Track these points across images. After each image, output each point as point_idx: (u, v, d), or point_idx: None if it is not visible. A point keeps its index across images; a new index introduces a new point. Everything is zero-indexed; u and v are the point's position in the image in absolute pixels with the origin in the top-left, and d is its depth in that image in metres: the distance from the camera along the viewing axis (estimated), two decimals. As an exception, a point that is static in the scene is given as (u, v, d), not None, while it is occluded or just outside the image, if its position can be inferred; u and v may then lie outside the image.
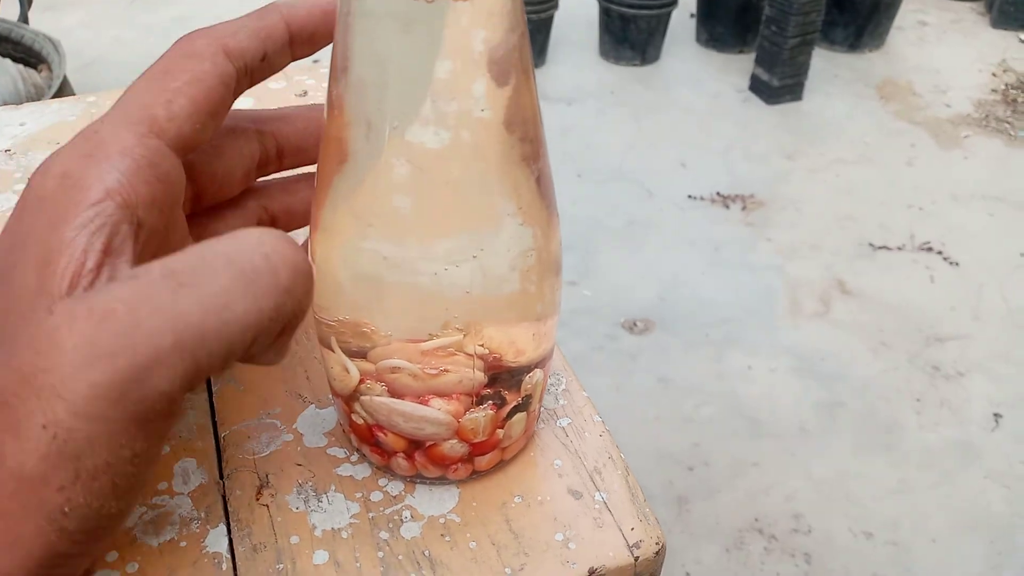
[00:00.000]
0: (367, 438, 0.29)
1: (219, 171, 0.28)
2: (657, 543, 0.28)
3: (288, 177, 0.31)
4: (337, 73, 0.23)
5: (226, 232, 0.27)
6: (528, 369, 0.28)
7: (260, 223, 0.30)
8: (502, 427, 0.28)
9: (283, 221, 0.31)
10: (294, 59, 0.28)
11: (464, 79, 0.22)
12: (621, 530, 0.28)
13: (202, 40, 0.25)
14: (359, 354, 0.26)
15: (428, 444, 0.28)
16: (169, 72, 0.25)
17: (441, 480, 0.29)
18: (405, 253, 0.24)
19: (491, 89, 0.22)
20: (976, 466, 1.25)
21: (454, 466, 0.28)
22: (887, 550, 1.14)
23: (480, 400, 0.27)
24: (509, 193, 0.24)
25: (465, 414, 0.27)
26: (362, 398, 0.27)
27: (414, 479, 0.29)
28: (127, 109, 0.24)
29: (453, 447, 0.28)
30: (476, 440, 0.28)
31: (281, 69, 0.28)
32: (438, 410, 0.27)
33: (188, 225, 0.28)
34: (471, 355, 0.26)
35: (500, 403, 0.27)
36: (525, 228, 0.25)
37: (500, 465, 0.30)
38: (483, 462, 0.29)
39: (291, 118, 0.30)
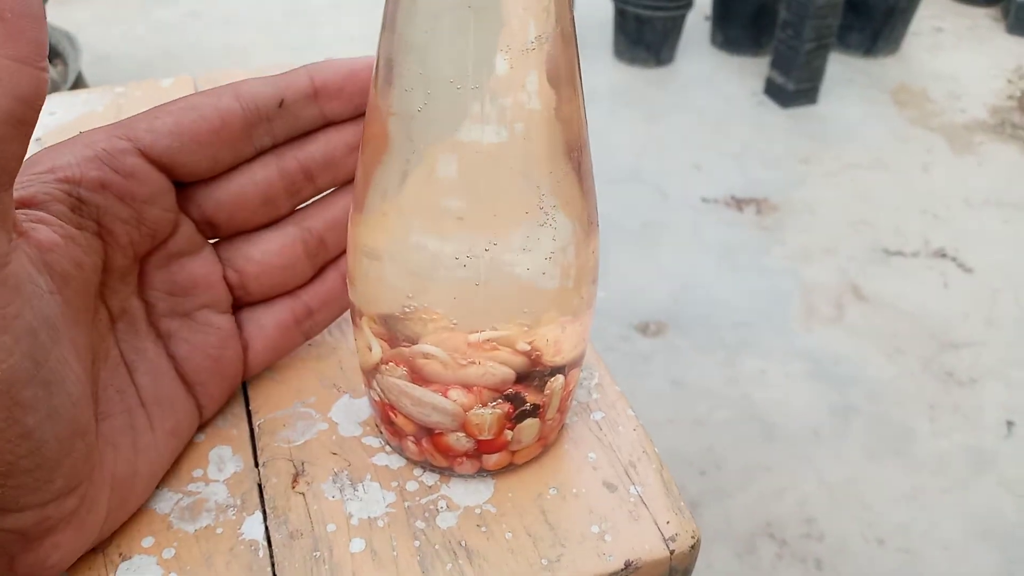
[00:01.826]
0: (383, 416, 0.29)
1: (224, 198, 0.29)
2: (693, 537, 0.28)
3: (328, 195, 0.32)
4: (382, 67, 0.23)
5: (266, 260, 0.30)
6: (558, 370, 0.28)
7: (306, 246, 0.31)
8: (512, 429, 0.28)
9: (331, 239, 0.31)
10: (327, 116, 0.30)
11: (519, 73, 0.22)
12: (656, 523, 0.28)
13: (222, 86, 0.28)
14: (412, 339, 0.26)
15: (435, 432, 0.28)
16: (174, 102, 0.27)
17: (479, 473, 0.29)
18: (454, 249, 0.24)
19: (543, 83, 0.22)
20: (989, 473, 1.24)
21: (459, 459, 0.28)
22: (899, 557, 1.13)
23: (503, 398, 0.27)
24: (553, 188, 0.24)
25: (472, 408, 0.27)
26: (378, 376, 0.28)
27: (447, 471, 0.29)
28: (120, 121, 0.27)
29: (459, 440, 0.28)
30: (481, 437, 0.28)
31: (312, 124, 0.30)
32: (447, 400, 0.27)
33: (224, 251, 0.30)
34: (517, 351, 0.26)
35: (518, 404, 0.27)
36: (568, 223, 0.25)
37: (534, 458, 0.30)
38: (490, 461, 0.29)
39: (313, 137, 0.30)
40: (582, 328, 0.28)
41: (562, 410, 0.29)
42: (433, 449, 0.28)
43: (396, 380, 0.27)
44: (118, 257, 0.26)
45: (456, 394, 0.27)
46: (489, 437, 0.28)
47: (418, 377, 0.27)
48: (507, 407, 0.27)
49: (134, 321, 0.28)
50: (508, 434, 0.28)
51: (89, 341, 0.25)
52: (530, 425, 0.28)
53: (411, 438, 0.28)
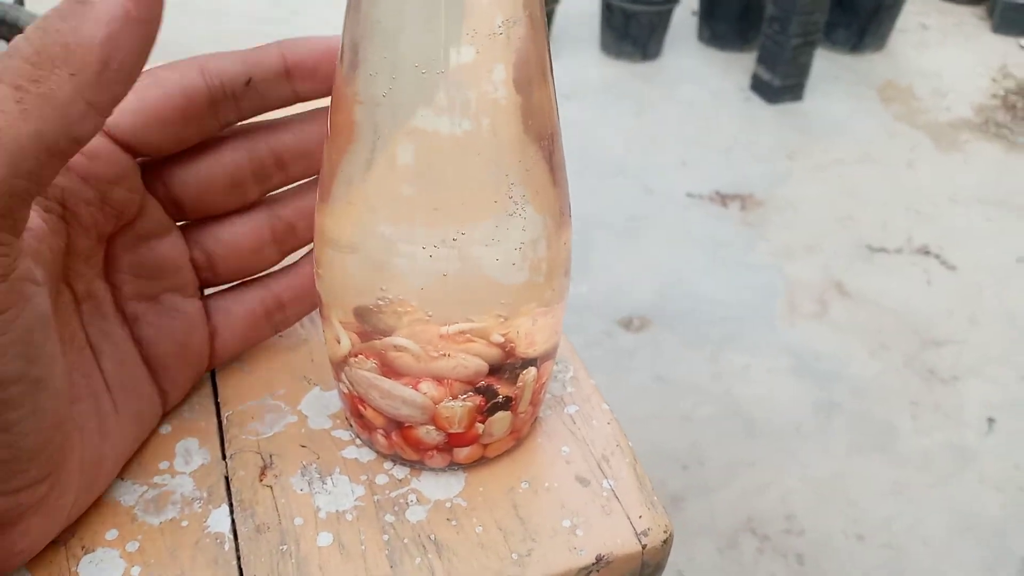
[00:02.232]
0: (353, 409, 0.29)
1: (191, 180, 0.28)
2: (665, 531, 0.28)
3: (301, 183, 0.31)
4: (347, 52, 0.22)
5: (234, 241, 0.29)
6: (531, 362, 0.27)
7: (274, 231, 0.30)
8: (483, 422, 0.27)
9: (301, 227, 0.31)
10: (299, 95, 0.29)
11: (486, 58, 0.21)
12: (629, 518, 0.28)
13: (188, 59, 0.27)
14: (385, 332, 0.25)
15: (405, 425, 0.27)
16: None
17: (450, 467, 0.29)
18: (422, 239, 0.23)
19: (510, 70, 0.22)
20: (970, 470, 1.25)
21: (430, 453, 0.28)
22: (880, 552, 1.13)
23: (475, 391, 0.26)
24: (523, 177, 0.23)
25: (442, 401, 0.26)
26: (347, 368, 0.27)
27: (417, 464, 0.29)
28: None
29: (429, 433, 0.27)
30: (452, 430, 0.27)
31: (282, 103, 0.29)
32: (417, 392, 0.26)
33: (193, 231, 0.29)
34: (491, 343, 0.26)
35: (490, 396, 0.27)
36: (538, 214, 0.24)
37: (506, 452, 0.30)
38: (461, 455, 0.28)
39: (287, 125, 0.29)
40: (555, 320, 0.27)
41: (535, 403, 0.29)
42: (403, 442, 0.28)
43: (365, 373, 0.27)
44: (82, 239, 0.26)
45: (427, 387, 0.26)
46: (459, 430, 0.27)
47: (389, 370, 0.26)
48: (479, 400, 0.27)
49: (100, 304, 0.27)
50: (479, 427, 0.27)
51: (56, 327, 0.25)
52: (501, 418, 0.28)
53: (381, 431, 0.28)
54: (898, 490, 1.21)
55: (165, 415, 0.30)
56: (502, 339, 0.26)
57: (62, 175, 0.24)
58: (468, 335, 0.25)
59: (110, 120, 0.25)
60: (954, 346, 1.45)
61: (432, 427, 0.27)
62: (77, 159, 0.25)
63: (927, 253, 1.66)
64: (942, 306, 1.53)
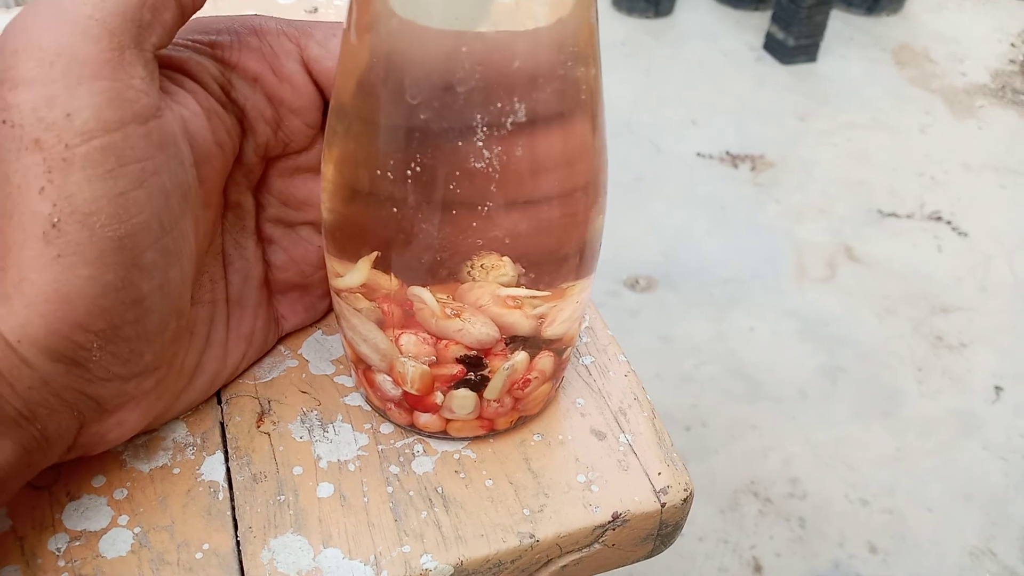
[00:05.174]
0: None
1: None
2: (685, 490, 0.26)
3: None
4: None
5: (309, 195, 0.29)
6: (537, 344, 0.25)
7: None
8: (444, 393, 0.25)
9: None
10: None
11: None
12: (647, 474, 0.26)
13: None
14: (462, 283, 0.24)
15: (368, 366, 0.26)
16: None
17: (410, 428, 0.27)
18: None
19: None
20: (975, 437, 1.24)
21: (388, 404, 0.26)
22: (882, 517, 1.13)
23: (462, 360, 0.25)
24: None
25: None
26: (335, 295, 0.25)
27: (381, 413, 0.27)
28: (296, 22, 0.26)
29: (385, 382, 0.26)
30: (405, 388, 0.25)
31: None
32: (380, 333, 0.24)
33: (274, 174, 0.28)
34: (528, 316, 0.24)
35: (469, 370, 0.25)
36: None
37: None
38: (420, 420, 0.26)
39: None
40: (583, 298, 0.26)
41: (517, 397, 0.26)
42: (366, 383, 0.26)
43: (339, 299, 0.25)
44: (250, 152, 0.26)
45: (408, 339, 0.24)
46: (413, 391, 0.25)
47: (411, 319, 0.24)
48: (455, 369, 0.25)
49: (243, 217, 0.27)
50: (439, 397, 0.25)
51: (209, 226, 0.25)
52: (463, 397, 0.25)
53: (353, 364, 0.27)
54: (901, 456, 1.21)
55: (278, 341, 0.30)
56: (546, 312, 0.24)
57: (249, 85, 0.25)
58: (519, 300, 0.23)
59: (314, 53, 0.25)
60: (963, 313, 1.44)
61: (388, 377, 0.25)
62: (269, 77, 0.25)
63: (939, 219, 1.63)
64: (952, 273, 1.51)
